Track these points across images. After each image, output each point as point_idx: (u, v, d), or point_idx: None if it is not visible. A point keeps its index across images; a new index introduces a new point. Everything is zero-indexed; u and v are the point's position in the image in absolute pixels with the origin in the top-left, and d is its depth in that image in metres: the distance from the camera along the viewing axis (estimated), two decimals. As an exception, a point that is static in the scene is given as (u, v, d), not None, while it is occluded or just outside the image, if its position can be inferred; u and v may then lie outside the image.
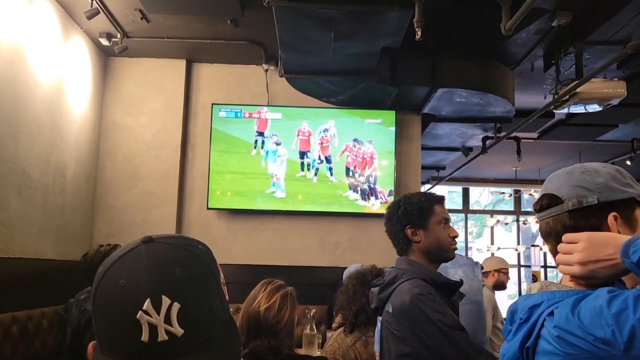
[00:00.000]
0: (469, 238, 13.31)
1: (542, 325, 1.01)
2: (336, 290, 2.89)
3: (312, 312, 3.10)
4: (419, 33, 3.09)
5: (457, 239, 1.96)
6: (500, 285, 4.47)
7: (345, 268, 3.47)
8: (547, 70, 4.65)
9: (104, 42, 4.60)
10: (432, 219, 1.91)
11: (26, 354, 3.44)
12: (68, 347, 2.88)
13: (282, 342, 1.85)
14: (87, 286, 3.03)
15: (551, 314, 1.00)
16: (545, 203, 1.13)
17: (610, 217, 1.06)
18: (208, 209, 4.92)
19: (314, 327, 3.08)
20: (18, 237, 3.61)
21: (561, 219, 1.10)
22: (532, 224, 10.41)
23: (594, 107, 4.42)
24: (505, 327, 1.15)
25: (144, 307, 0.70)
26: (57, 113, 4.14)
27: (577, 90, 4.06)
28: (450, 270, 2.70)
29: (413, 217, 1.90)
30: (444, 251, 1.92)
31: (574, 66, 4.33)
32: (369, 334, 2.62)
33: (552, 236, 1.12)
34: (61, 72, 4.17)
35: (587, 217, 1.07)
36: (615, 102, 4.29)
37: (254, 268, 4.81)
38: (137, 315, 0.70)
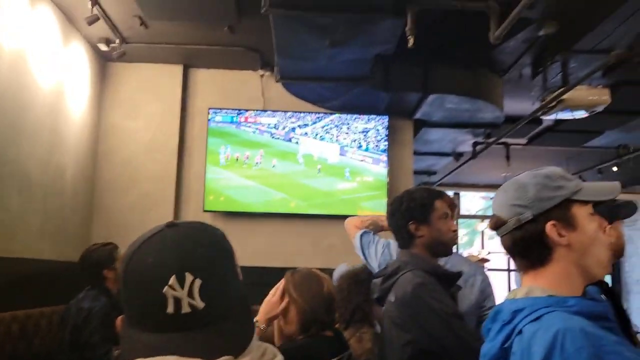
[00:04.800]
0: (461, 245, 13.42)
1: (520, 331, 1.05)
2: None
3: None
4: (411, 41, 3.21)
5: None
6: None
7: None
8: (535, 77, 4.79)
9: (103, 47, 4.69)
10: (434, 214, 1.99)
11: (26, 353, 3.51)
12: (67, 344, 2.96)
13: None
14: (86, 286, 3.12)
15: (535, 319, 1.04)
16: (492, 224, 1.21)
17: (549, 226, 1.12)
18: (204, 211, 5.01)
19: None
20: (18, 237, 3.68)
21: (509, 237, 1.17)
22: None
23: (581, 113, 4.58)
24: (486, 324, 1.18)
25: (170, 283, 0.80)
26: (58, 116, 4.21)
27: (563, 97, 4.20)
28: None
29: (416, 213, 1.99)
30: (445, 245, 2.02)
31: (561, 74, 4.48)
32: (364, 330, 2.71)
33: (509, 252, 1.20)
34: (61, 77, 4.25)
35: (529, 231, 1.14)
36: (600, 108, 4.44)
37: (250, 270, 4.88)
38: (164, 290, 0.80)
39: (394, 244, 2.58)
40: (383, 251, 2.67)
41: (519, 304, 1.10)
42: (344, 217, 5.02)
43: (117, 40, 4.62)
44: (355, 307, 2.74)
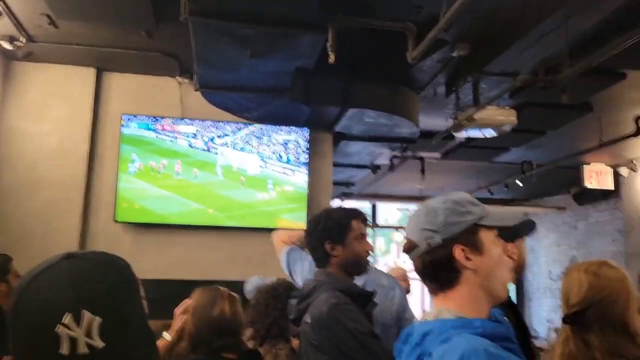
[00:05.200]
0: (378, 254, 13.74)
1: (430, 353, 1.07)
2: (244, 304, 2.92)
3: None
4: (332, 57, 3.25)
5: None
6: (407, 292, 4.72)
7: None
8: (449, 96, 5.00)
9: (7, 45, 4.36)
10: (350, 234, 2.01)
11: None
12: None
13: (240, 340, 2.03)
14: None
15: (443, 341, 1.07)
16: (406, 246, 1.24)
17: (457, 250, 1.16)
18: (115, 221, 4.77)
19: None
20: None
21: (420, 260, 1.20)
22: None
23: (490, 132, 4.82)
24: (398, 346, 1.21)
25: (64, 321, 0.74)
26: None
27: (474, 116, 4.41)
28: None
29: (332, 233, 2.00)
30: (360, 265, 2.05)
31: (472, 94, 4.70)
32: (279, 346, 2.68)
33: (420, 275, 1.23)
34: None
35: (438, 255, 1.17)
36: (508, 128, 4.70)
37: (164, 283, 4.72)
38: (57, 329, 0.73)
39: None
40: (310, 269, 2.65)
41: (428, 326, 1.13)
42: (263, 229, 5.04)
43: (23, 39, 4.32)
44: (272, 322, 2.70)
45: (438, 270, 1.18)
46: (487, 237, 1.18)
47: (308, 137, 5.18)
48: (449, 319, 1.13)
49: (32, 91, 4.83)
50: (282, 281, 2.88)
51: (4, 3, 3.83)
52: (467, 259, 1.15)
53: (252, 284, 3.17)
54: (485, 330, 1.09)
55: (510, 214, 1.25)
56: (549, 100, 4.97)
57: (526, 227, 1.25)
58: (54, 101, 4.86)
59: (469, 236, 1.17)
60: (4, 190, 4.65)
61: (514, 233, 1.23)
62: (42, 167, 4.75)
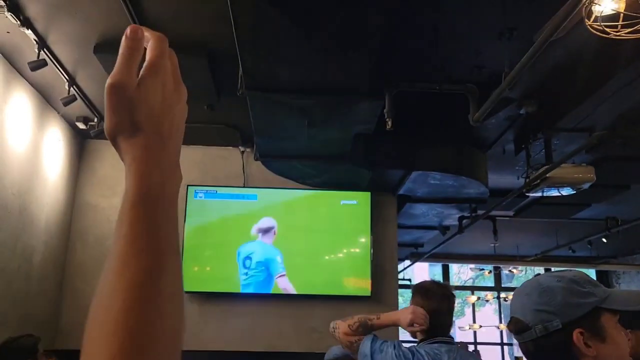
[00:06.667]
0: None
1: None
2: None
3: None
4: (390, 123, 3.15)
5: None
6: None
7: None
8: (518, 153, 4.76)
9: (81, 125, 4.61)
10: None
11: None
12: None
13: None
14: None
15: None
16: (513, 328, 1.14)
17: (576, 334, 1.04)
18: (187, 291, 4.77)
19: None
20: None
21: (533, 344, 1.10)
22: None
23: (568, 191, 4.50)
24: None
25: None
26: (28, 197, 4.06)
27: (548, 175, 4.14)
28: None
29: None
30: None
31: (544, 150, 4.44)
32: None
33: (530, 358, 1.12)
34: (34, 156, 4.13)
35: (555, 340, 1.06)
36: (586, 186, 4.37)
37: (227, 355, 4.63)
38: None
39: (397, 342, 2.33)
40: (397, 353, 2.37)
41: None
42: (327, 297, 4.88)
43: (95, 119, 4.55)
44: None
45: (553, 356, 1.07)
46: (610, 323, 1.06)
47: (370, 201, 5.04)
48: None
49: (103, 167, 5.05)
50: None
51: (78, 87, 4.06)
52: (587, 345, 1.03)
53: (333, 353, 2.97)
54: None
55: (638, 297, 1.12)
56: (630, 154, 4.61)
57: None
58: (123, 175, 5.01)
59: (591, 320, 1.05)
60: (77, 264, 4.79)
61: (633, 320, 1.08)
62: (110, 240, 4.86)
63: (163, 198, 0.48)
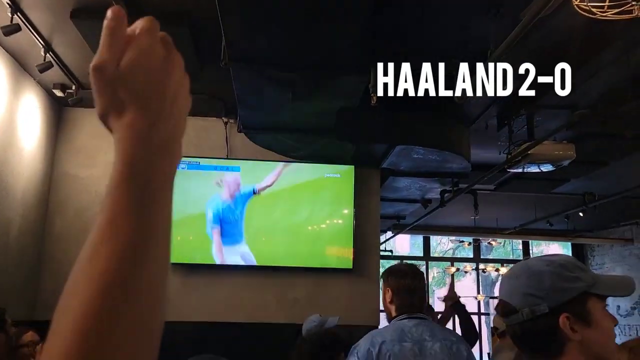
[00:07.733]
0: (432, 285, 13.33)
1: None
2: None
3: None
4: (374, 99, 3.12)
5: None
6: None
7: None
8: (501, 129, 4.77)
9: (58, 93, 4.50)
10: None
11: None
12: None
13: None
14: None
15: None
16: (500, 310, 1.16)
17: (562, 319, 1.06)
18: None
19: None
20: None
21: (519, 327, 1.12)
22: (492, 272, 10.52)
23: (548, 167, 4.55)
24: None
25: None
26: (3, 168, 3.97)
27: (530, 151, 4.17)
28: (427, 343, 2.40)
29: None
30: None
31: (526, 127, 4.46)
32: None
33: (517, 340, 1.14)
34: (10, 126, 4.03)
35: (542, 324, 1.08)
36: (566, 163, 4.42)
37: (209, 325, 4.67)
38: None
39: None
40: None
41: None
42: (310, 269, 4.89)
43: (74, 87, 4.44)
44: None
45: (539, 339, 1.09)
46: (597, 308, 1.08)
47: (354, 174, 5.05)
48: None
49: (82, 136, 4.94)
50: (328, 331, 2.73)
51: (54, 54, 3.94)
52: (573, 329, 1.05)
53: (311, 321, 2.99)
54: None
55: (624, 283, 1.14)
56: (611, 131, 4.66)
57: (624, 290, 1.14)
58: (103, 145, 4.92)
59: (578, 305, 1.07)
60: (56, 236, 4.73)
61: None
62: (91, 211, 4.81)
63: (149, 178, 0.46)
